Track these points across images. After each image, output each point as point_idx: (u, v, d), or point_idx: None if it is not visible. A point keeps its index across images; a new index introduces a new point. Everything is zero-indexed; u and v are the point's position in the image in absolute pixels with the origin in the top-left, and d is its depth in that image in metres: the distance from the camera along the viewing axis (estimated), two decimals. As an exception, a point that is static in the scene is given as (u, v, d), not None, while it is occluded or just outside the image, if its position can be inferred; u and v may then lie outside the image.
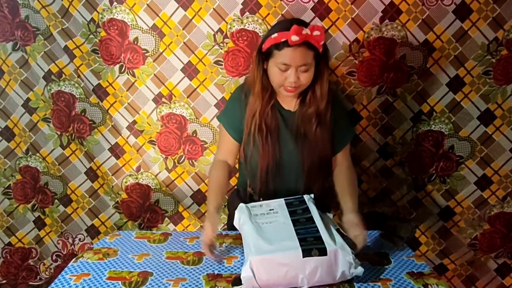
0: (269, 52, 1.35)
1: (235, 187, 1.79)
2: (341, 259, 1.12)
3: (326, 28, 1.69)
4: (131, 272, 1.23)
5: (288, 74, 1.33)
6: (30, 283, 2.13)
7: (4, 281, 2.11)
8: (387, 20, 1.70)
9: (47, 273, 2.13)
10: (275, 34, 1.32)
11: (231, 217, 1.72)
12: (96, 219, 2.04)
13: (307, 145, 1.45)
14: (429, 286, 1.15)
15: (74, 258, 1.32)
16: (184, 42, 1.76)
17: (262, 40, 1.39)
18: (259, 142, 1.42)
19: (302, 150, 1.45)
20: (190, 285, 1.17)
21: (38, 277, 2.13)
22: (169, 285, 1.17)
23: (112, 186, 1.96)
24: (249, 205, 1.35)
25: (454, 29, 1.69)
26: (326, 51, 1.39)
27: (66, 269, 1.25)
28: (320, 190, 1.50)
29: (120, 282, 1.18)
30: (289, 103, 1.47)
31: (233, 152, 1.52)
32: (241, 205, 1.34)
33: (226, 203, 1.87)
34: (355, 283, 1.17)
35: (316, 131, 1.43)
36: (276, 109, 1.46)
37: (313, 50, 1.32)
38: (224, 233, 1.49)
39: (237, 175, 1.85)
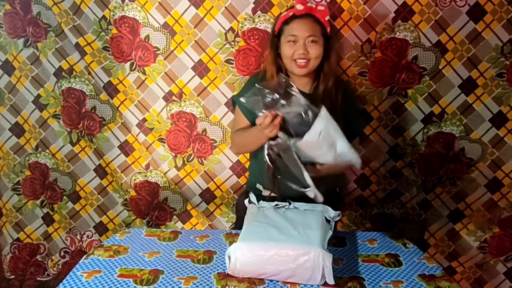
0: (280, 31, 1.44)
1: (245, 188, 1.79)
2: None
3: (338, 28, 1.69)
4: (142, 270, 1.23)
5: (297, 46, 1.41)
6: (38, 278, 2.14)
7: (13, 277, 2.12)
8: (399, 21, 1.69)
9: (55, 269, 2.14)
10: (284, 13, 1.44)
11: (239, 219, 1.73)
12: (105, 216, 2.04)
13: None
14: (442, 289, 1.15)
15: (85, 255, 1.32)
16: (195, 41, 1.76)
17: (273, 23, 1.50)
18: None
19: None
20: (201, 284, 1.17)
21: (46, 273, 2.14)
22: (180, 283, 1.17)
23: (121, 184, 1.96)
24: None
25: (467, 30, 1.68)
26: (333, 31, 1.48)
27: (77, 265, 1.26)
28: (331, 181, 1.50)
29: (131, 279, 1.18)
30: (304, 86, 1.50)
31: None
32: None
33: (235, 204, 1.87)
34: (366, 284, 1.17)
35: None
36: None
37: (320, 25, 1.42)
38: (234, 232, 1.49)
39: (246, 173, 1.86)
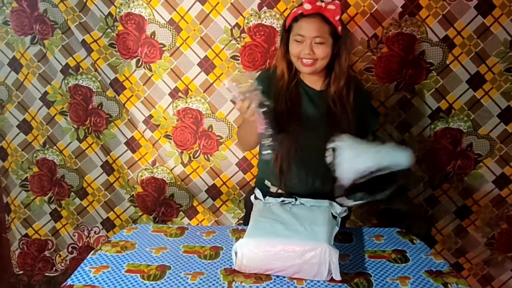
0: (290, 27, 1.42)
1: (252, 184, 1.80)
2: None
3: (345, 23, 1.67)
4: (149, 265, 1.24)
5: (303, 46, 1.38)
6: (46, 274, 2.16)
7: (21, 272, 2.14)
8: (406, 16, 1.68)
9: (62, 264, 2.15)
10: (295, 9, 1.41)
11: (247, 215, 1.73)
12: (112, 212, 2.06)
13: (330, 124, 1.43)
14: (449, 285, 1.14)
15: (93, 251, 1.33)
16: (201, 37, 1.76)
17: (285, 18, 1.47)
18: (280, 118, 1.41)
19: (325, 128, 1.43)
20: (208, 279, 1.17)
21: (54, 268, 2.16)
22: (187, 279, 1.17)
23: (128, 180, 1.97)
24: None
25: (475, 25, 1.66)
26: (344, 31, 1.43)
27: (85, 261, 1.26)
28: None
29: (138, 275, 1.19)
30: (314, 82, 1.48)
31: None
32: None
33: (242, 200, 1.88)
34: (373, 280, 1.17)
35: (339, 112, 1.43)
36: (300, 86, 1.48)
37: (329, 25, 1.38)
38: (240, 227, 1.49)
39: (252, 170, 1.86)
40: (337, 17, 1.39)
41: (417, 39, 1.70)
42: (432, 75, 1.74)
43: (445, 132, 1.80)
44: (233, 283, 1.15)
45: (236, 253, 1.18)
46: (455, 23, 1.67)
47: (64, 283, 1.16)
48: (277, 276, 1.18)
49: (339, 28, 1.40)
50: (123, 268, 1.23)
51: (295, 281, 1.16)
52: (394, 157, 1.18)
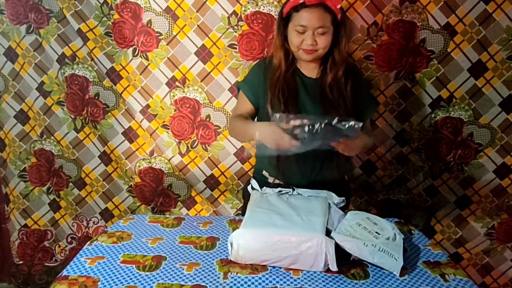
0: (289, 16, 1.39)
1: (250, 174, 1.78)
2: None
3: (344, 10, 1.64)
4: (145, 256, 1.23)
5: (305, 36, 1.36)
6: (46, 264, 2.16)
7: (21, 262, 2.15)
8: (407, 2, 1.64)
9: (62, 254, 2.16)
10: None
11: (246, 206, 1.72)
12: (110, 202, 2.05)
13: (327, 113, 1.39)
14: (446, 276, 1.13)
15: (89, 241, 1.33)
16: (198, 25, 1.73)
17: (282, 5, 1.43)
18: (278, 108, 1.39)
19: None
20: (203, 270, 1.16)
21: (53, 258, 2.16)
22: (183, 269, 1.17)
23: (126, 170, 1.96)
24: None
25: (477, 11, 1.63)
26: (344, 17, 1.42)
27: (81, 252, 1.26)
28: (340, 168, 1.49)
29: (134, 265, 1.18)
30: (311, 71, 1.47)
31: (250, 115, 1.50)
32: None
33: (241, 190, 1.87)
34: (369, 270, 1.16)
35: (337, 99, 1.41)
36: (297, 75, 1.46)
37: (331, 13, 1.35)
38: (237, 218, 1.48)
39: (252, 160, 1.84)
40: (339, 6, 1.37)
41: (417, 27, 1.67)
42: (433, 63, 1.71)
43: (446, 121, 1.78)
44: (229, 274, 1.15)
45: (232, 244, 1.17)
46: (456, 10, 1.63)
47: (60, 274, 1.16)
48: (273, 267, 1.17)
49: (339, 15, 1.38)
50: (119, 259, 1.22)
51: (291, 271, 1.15)
52: (385, 261, 1.13)
